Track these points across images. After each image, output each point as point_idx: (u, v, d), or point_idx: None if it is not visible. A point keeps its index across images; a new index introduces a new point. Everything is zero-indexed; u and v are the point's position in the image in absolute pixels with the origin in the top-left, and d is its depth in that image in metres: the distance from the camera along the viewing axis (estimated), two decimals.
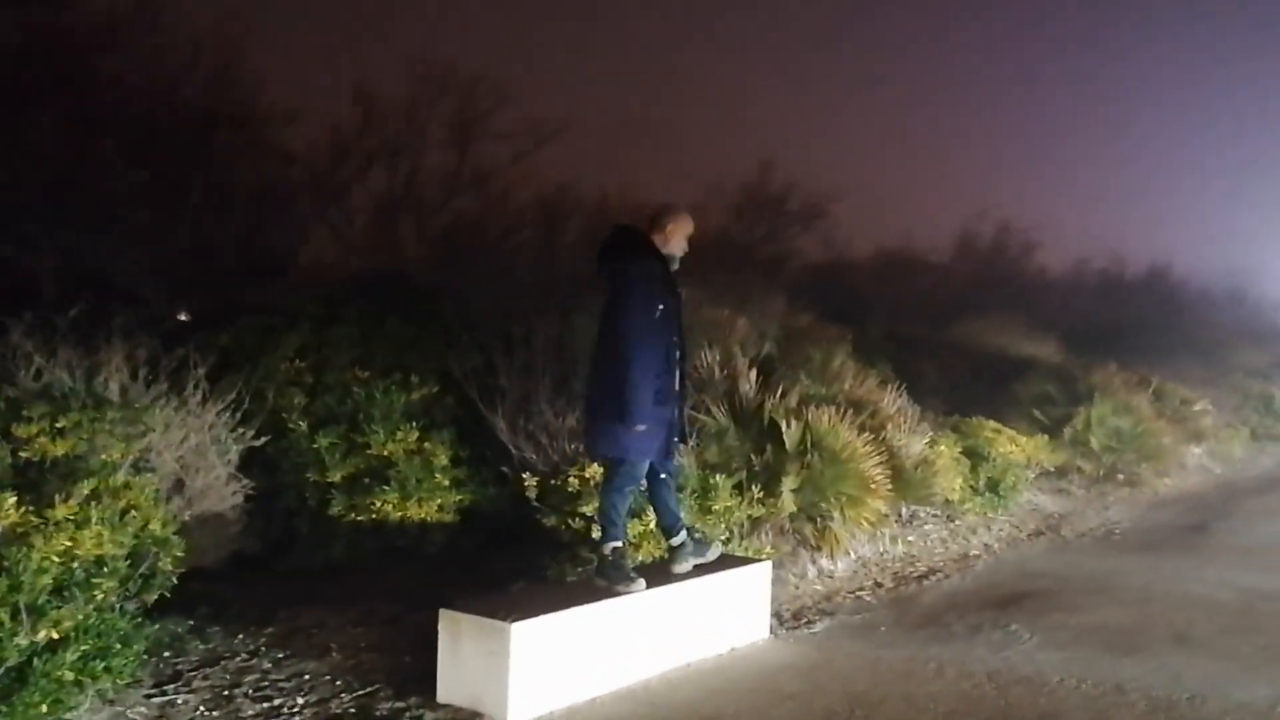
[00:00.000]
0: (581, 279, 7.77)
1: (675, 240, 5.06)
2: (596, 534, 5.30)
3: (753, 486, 6.96)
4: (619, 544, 4.94)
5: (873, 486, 7.17)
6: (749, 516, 6.89)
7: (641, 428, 4.77)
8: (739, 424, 7.55)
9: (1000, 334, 16.37)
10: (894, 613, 6.35)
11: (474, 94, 14.57)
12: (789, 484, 7.05)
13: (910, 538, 8.14)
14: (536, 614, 4.36)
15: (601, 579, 4.90)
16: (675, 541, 5.25)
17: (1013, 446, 10.09)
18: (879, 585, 7.02)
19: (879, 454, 7.45)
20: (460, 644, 4.35)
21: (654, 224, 5.06)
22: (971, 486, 9.04)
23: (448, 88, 14.30)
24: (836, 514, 7.10)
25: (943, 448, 8.52)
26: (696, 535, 5.47)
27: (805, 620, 6.11)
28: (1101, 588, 6.91)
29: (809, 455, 7.19)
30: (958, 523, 8.73)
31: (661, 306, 4.87)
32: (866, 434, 7.63)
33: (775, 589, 6.31)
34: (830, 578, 7.08)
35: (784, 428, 7.18)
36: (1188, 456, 13.56)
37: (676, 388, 5.03)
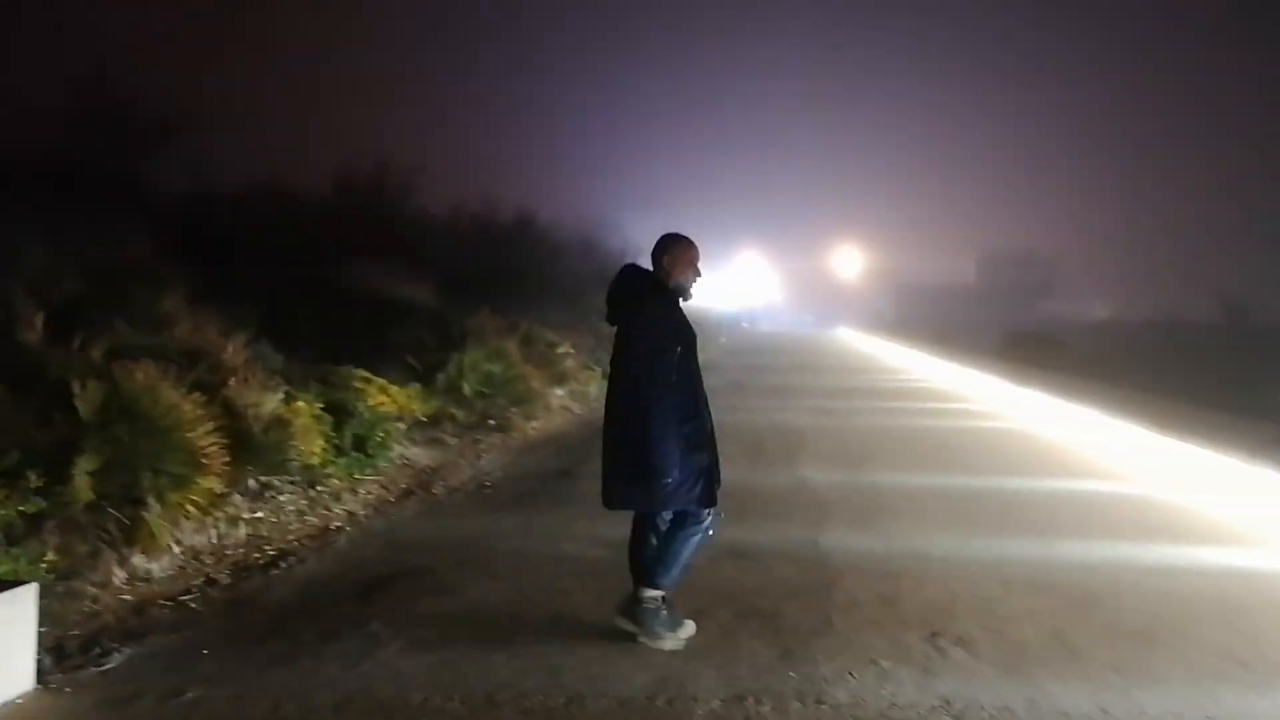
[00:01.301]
0: None
1: (679, 271, 4.75)
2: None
3: (28, 472, 5.06)
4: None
5: (204, 460, 5.66)
6: (21, 512, 4.99)
7: (669, 480, 4.43)
8: (16, 390, 5.52)
9: (380, 279, 15.47)
10: (227, 623, 4.96)
11: None
12: (85, 465, 5.28)
13: (260, 514, 6.75)
14: None
15: (634, 624, 4.54)
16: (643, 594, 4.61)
17: (384, 397, 9.19)
18: (212, 584, 5.55)
19: (217, 418, 5.95)
20: None
21: (655, 263, 4.78)
22: (336, 446, 7.90)
23: None
24: (154, 499, 5.47)
25: (301, 404, 7.23)
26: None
27: (99, 652, 4.46)
28: (474, 558, 6.19)
29: (117, 425, 5.44)
30: (320, 490, 7.53)
31: (679, 348, 4.56)
32: (201, 394, 6.07)
33: (62, 608, 4.72)
34: (145, 581, 5.44)
35: (77, 389, 5.33)
36: (553, 399, 13.91)
37: (708, 429, 4.66)
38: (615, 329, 4.79)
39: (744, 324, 67.81)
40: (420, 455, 9.69)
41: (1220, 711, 3.92)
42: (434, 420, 10.82)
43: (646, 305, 4.66)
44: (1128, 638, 4.76)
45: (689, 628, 4.60)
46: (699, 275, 4.85)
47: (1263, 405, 11.15)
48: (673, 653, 4.45)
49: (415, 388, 10.35)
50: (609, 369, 4.91)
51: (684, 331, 4.64)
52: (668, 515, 4.65)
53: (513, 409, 11.97)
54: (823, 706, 3.90)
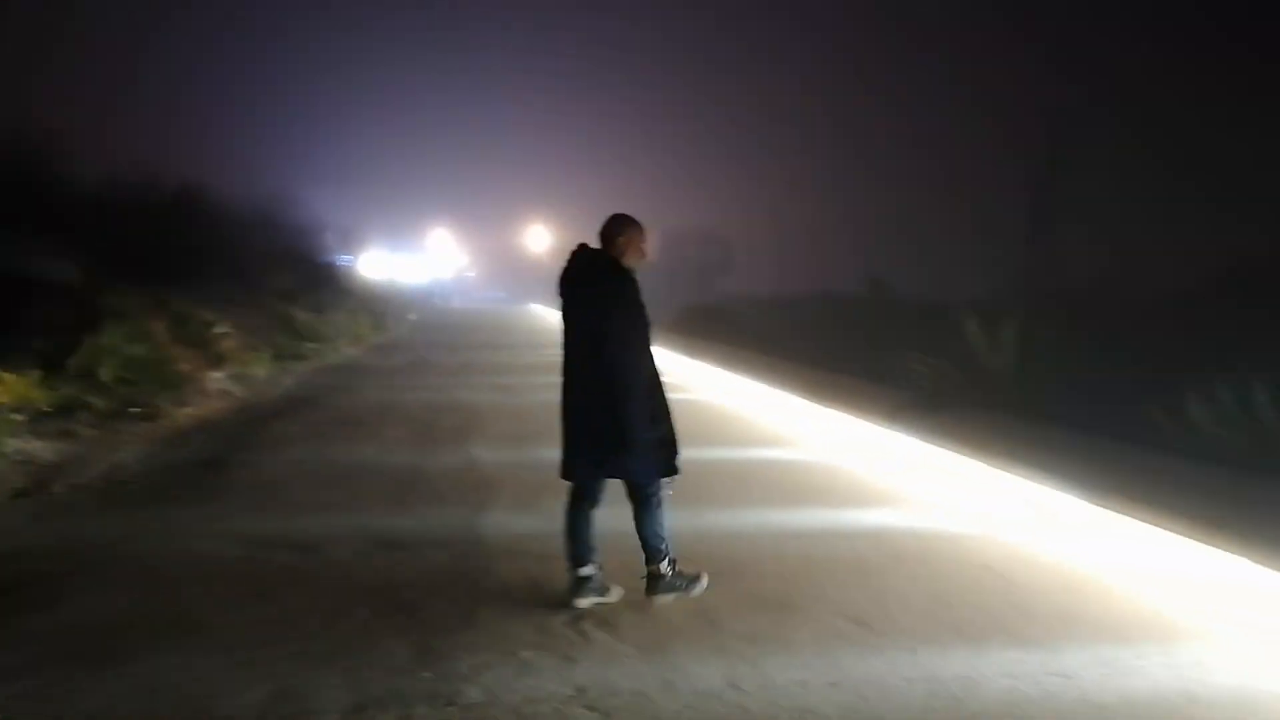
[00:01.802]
0: None
1: (631, 253, 4.94)
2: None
3: None
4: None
5: None
6: None
7: (638, 448, 4.74)
8: None
9: (14, 254, 13.64)
10: None
11: None
12: None
13: None
14: None
15: (668, 593, 4.91)
16: (585, 572, 4.90)
17: None
18: None
19: None
20: None
21: (609, 242, 4.93)
22: None
23: None
24: None
25: None
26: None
27: None
28: (92, 564, 5.55)
29: None
30: None
31: (648, 325, 4.89)
32: None
33: None
34: None
35: None
36: (210, 382, 12.92)
37: (666, 402, 4.95)
38: (567, 311, 4.93)
39: (436, 300, 66.64)
40: (43, 450, 8.64)
41: (842, 676, 4.06)
42: (65, 410, 9.70)
43: (617, 284, 4.84)
44: (766, 607, 4.90)
45: (705, 580, 5.03)
46: (644, 258, 4.99)
47: (893, 371, 12.30)
48: (300, 661, 4.16)
49: (37, 375, 9.20)
50: (564, 348, 4.99)
51: (644, 308, 4.89)
52: (602, 488, 4.97)
53: (161, 394, 10.97)
54: (451, 709, 3.73)
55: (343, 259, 48.12)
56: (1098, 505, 6.64)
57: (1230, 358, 7.88)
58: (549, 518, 6.63)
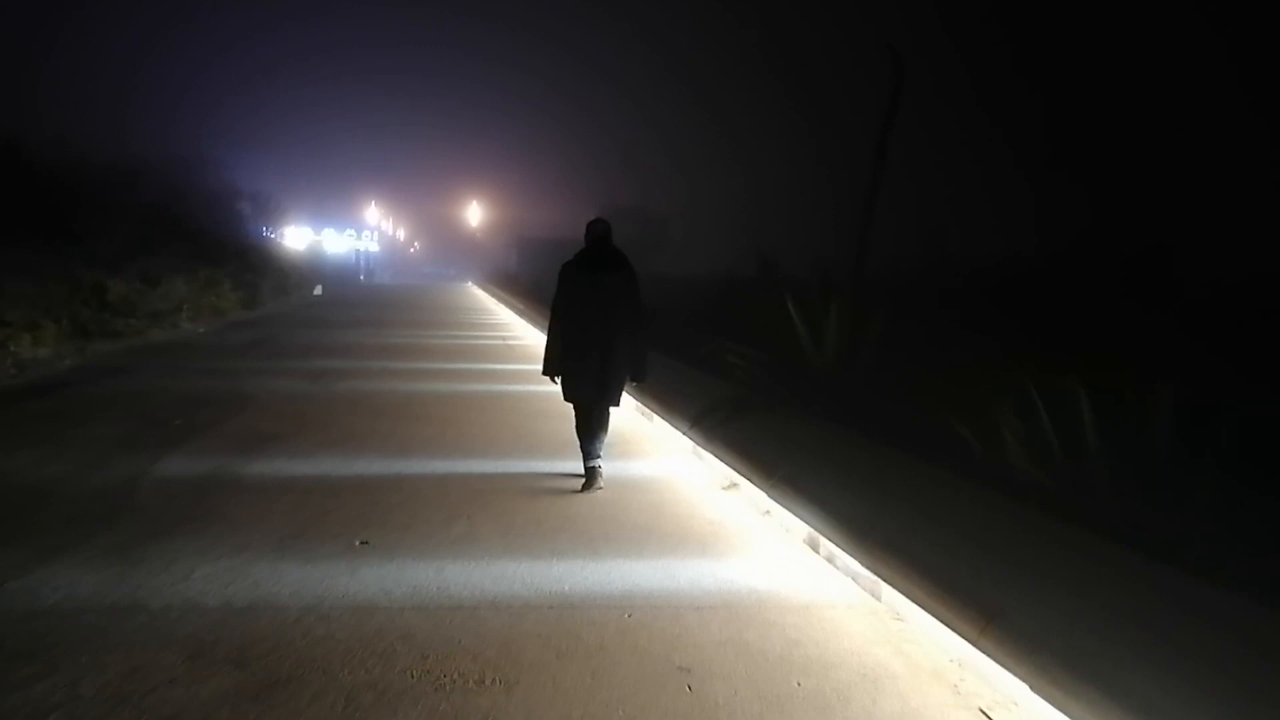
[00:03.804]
0: None
1: None
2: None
3: None
4: None
5: None
6: None
7: (643, 379, 7.12)
8: None
9: None
10: None
11: None
12: None
13: None
14: None
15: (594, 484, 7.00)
16: (595, 464, 7.05)
17: None
18: None
19: None
20: None
21: (608, 237, 7.00)
22: None
23: None
24: None
25: None
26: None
27: None
28: None
29: None
30: None
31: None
32: None
33: None
34: None
35: None
36: None
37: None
38: (590, 287, 6.82)
39: (360, 276, 63.77)
40: None
41: None
42: None
43: (631, 270, 6.90)
44: None
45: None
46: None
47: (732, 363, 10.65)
48: None
49: None
50: (581, 313, 6.84)
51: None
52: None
53: None
54: None
55: (264, 230, 45.86)
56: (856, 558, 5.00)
57: (1061, 353, 6.30)
58: None
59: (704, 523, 6.33)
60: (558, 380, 7.06)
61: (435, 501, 6.55)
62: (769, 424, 7.64)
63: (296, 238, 54.49)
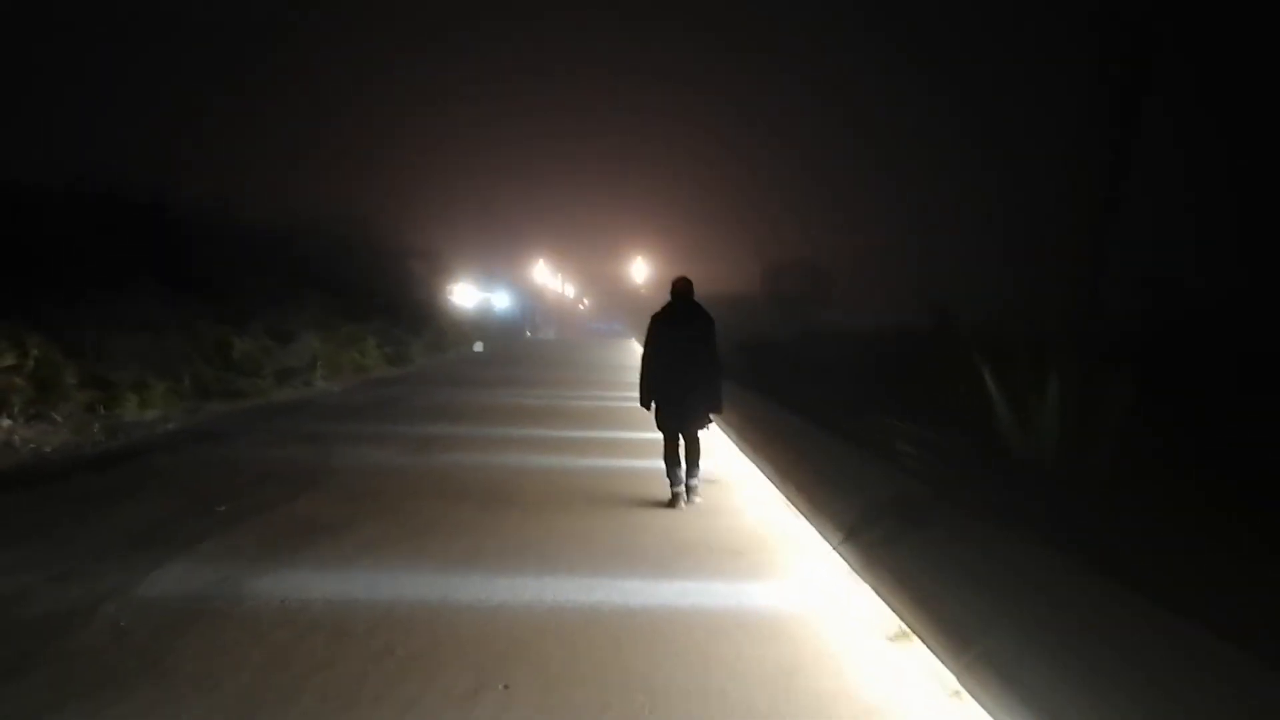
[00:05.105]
0: None
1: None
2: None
3: None
4: None
5: None
6: None
7: (720, 410, 8.14)
8: None
9: None
10: None
11: None
12: None
13: None
14: None
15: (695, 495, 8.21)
16: (694, 482, 8.14)
17: None
18: None
19: None
20: None
21: (690, 293, 8.19)
22: None
23: None
24: None
25: None
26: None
27: None
28: None
29: None
30: None
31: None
32: None
33: None
34: None
35: None
36: None
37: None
38: (673, 334, 8.05)
39: (526, 333, 63.69)
40: None
41: None
42: None
43: (708, 319, 8.07)
44: None
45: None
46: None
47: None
48: None
49: None
50: (667, 355, 8.07)
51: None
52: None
53: None
54: None
55: (432, 287, 46.01)
56: None
57: None
58: None
59: (858, 708, 4.14)
60: (652, 407, 8.16)
61: (464, 653, 4.61)
62: (959, 543, 5.37)
63: (465, 295, 54.77)
